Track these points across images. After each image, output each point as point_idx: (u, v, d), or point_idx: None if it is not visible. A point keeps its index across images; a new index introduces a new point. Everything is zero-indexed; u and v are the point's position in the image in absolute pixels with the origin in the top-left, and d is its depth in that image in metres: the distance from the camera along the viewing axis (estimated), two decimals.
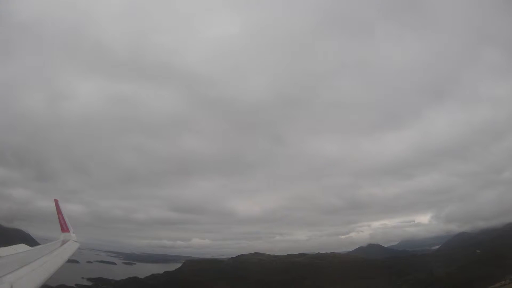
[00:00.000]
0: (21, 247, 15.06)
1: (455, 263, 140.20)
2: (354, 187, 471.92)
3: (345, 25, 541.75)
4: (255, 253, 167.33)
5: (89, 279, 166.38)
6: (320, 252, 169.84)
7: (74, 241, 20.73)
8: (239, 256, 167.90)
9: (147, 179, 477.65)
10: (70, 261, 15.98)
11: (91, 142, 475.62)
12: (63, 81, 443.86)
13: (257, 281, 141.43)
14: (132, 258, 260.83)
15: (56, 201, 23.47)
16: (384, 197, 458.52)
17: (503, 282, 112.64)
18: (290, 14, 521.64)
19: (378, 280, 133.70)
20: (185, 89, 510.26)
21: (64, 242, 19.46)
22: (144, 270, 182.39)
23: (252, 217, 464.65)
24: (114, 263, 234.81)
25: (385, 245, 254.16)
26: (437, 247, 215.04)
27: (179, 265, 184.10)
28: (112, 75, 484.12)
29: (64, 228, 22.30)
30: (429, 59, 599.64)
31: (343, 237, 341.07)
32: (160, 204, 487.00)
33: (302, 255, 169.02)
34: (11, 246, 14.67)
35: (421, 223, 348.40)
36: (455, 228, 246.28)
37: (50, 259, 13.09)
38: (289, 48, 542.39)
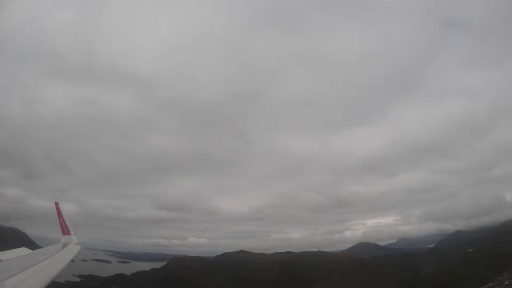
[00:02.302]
0: (22, 251, 14.94)
1: (444, 262, 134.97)
2: (336, 185, 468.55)
3: (278, 20, 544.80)
4: (240, 251, 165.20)
5: (79, 276, 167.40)
6: (307, 250, 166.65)
7: (75, 243, 20.61)
8: (224, 254, 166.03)
9: (129, 177, 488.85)
10: None
11: (67, 141, 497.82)
12: (33, 87, 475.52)
13: (239, 279, 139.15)
14: (128, 257, 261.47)
15: (56, 204, 22.88)
16: (369, 195, 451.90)
17: (491, 284, 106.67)
18: (226, 12, 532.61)
19: (361, 279, 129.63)
20: (139, 90, 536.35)
21: (65, 245, 19.43)
22: (136, 269, 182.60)
23: (240, 216, 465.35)
24: (109, 262, 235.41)
25: (382, 243, 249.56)
26: (433, 245, 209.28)
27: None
28: (72, 79, 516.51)
29: (65, 230, 21.94)
30: (385, 50, 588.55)
31: (338, 235, 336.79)
32: (148, 203, 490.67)
33: (288, 253, 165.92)
34: (13, 249, 14.54)
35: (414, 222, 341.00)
36: (450, 226, 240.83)
37: (52, 263, 13.04)
38: (231, 46, 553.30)
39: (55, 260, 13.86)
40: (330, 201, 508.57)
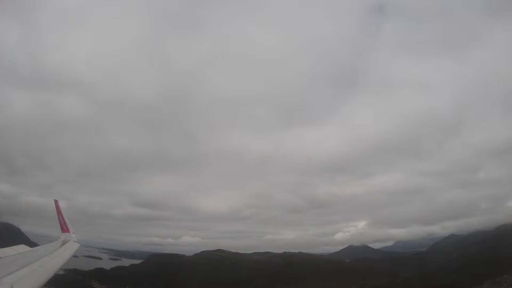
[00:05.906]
0: (21, 248, 15.11)
1: (424, 268, 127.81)
2: (305, 185, 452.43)
3: (184, 22, 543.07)
4: (217, 249, 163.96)
5: (64, 270, 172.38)
6: (286, 251, 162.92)
7: (74, 241, 20.72)
8: (202, 252, 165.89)
9: (103, 175, 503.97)
10: None
11: (38, 141, 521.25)
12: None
13: (210, 276, 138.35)
14: (122, 255, 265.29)
15: (56, 202, 23.06)
16: (345, 197, 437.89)
17: None
18: (136, 20, 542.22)
19: (333, 282, 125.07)
20: (84, 94, 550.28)
21: (64, 242, 19.63)
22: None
23: (221, 215, 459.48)
24: (100, 258, 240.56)
25: (376, 246, 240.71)
26: (425, 249, 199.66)
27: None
28: (28, 86, 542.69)
29: (64, 228, 22.24)
30: (312, 42, 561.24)
31: (330, 237, 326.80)
32: (128, 200, 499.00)
33: (266, 253, 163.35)
34: (11, 247, 14.78)
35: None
36: (439, 230, 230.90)
37: (50, 260, 13.17)
38: (148, 50, 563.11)
39: (54, 258, 13.90)
40: (305, 201, 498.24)
